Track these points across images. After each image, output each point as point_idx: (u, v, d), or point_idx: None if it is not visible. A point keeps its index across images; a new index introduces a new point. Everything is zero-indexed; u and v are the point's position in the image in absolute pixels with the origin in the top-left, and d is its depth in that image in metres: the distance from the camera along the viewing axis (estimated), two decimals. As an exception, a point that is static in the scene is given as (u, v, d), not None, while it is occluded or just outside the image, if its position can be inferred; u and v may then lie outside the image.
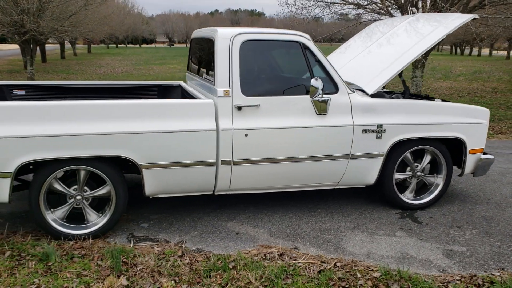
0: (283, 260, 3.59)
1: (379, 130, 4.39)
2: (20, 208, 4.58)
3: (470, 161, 4.84)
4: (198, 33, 5.01)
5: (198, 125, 3.92)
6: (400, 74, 4.87)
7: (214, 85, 4.05)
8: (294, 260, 3.61)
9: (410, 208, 4.78)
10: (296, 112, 4.18)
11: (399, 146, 4.54)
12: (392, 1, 12.66)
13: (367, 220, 4.51)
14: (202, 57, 4.67)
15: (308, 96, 4.19)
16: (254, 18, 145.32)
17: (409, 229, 4.32)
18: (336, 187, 4.58)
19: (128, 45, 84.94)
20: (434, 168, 4.90)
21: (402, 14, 13.01)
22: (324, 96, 4.19)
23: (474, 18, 4.73)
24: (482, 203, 5.06)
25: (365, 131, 4.35)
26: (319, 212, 4.66)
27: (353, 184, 4.57)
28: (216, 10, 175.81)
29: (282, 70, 4.49)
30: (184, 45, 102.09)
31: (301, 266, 3.51)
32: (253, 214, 4.56)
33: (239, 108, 4.02)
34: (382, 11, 13.74)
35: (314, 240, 4.05)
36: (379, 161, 4.49)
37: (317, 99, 4.17)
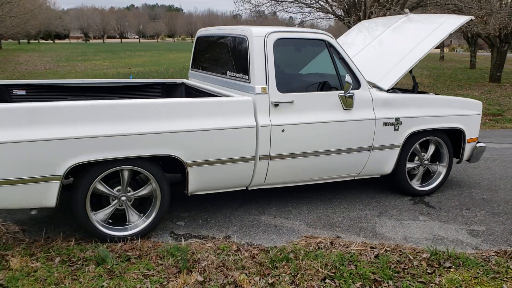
0: (337, 249, 3.77)
1: (397, 123, 4.70)
2: (40, 214, 4.38)
3: (467, 150, 5.30)
4: (213, 31, 5.04)
5: (239, 122, 4.00)
6: (410, 71, 5.21)
7: (249, 82, 4.14)
8: (346, 247, 3.80)
9: (419, 195, 5.14)
10: (325, 107, 4.37)
11: (411, 137, 4.88)
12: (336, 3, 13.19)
13: (386, 207, 4.80)
14: (226, 55, 4.72)
15: (336, 91, 4.40)
16: (173, 13, 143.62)
17: (427, 214, 4.66)
18: (356, 178, 4.82)
19: (40, 41, 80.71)
20: (436, 157, 5.29)
21: (350, 16, 13.59)
22: (349, 91, 4.42)
23: (471, 20, 5.17)
24: (475, 187, 5.54)
25: (385, 124, 4.64)
26: (340, 202, 4.88)
27: (372, 174, 4.85)
28: (132, 5, 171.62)
29: (310, 67, 4.66)
30: (100, 41, 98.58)
31: (355, 252, 3.71)
32: (280, 207, 4.70)
33: (276, 105, 4.14)
34: (329, 11, 14.27)
35: (351, 228, 4.27)
36: (396, 152, 4.80)
37: (344, 94, 4.39)
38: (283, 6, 13.64)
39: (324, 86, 4.41)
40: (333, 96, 4.39)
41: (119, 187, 3.86)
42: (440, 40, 4.95)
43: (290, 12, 13.92)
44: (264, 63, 4.10)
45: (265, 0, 13.54)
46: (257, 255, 3.66)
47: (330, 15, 15.38)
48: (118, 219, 3.92)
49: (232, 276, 3.34)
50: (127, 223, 3.94)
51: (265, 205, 4.73)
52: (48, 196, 3.51)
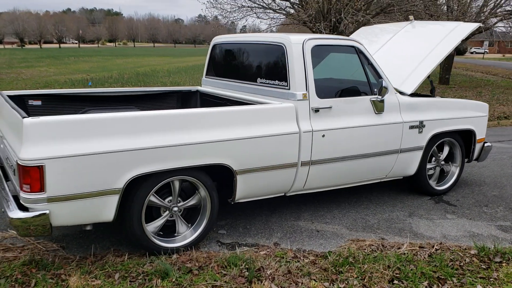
0: (390, 250, 3.86)
1: (421, 126, 4.87)
2: (71, 229, 4.20)
3: (477, 149, 5.56)
4: (236, 38, 5.03)
5: (283, 129, 4.02)
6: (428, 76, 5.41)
7: (289, 89, 4.16)
8: (398, 249, 3.89)
9: (436, 194, 5.34)
10: (359, 112, 4.47)
11: (432, 139, 5.06)
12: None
13: (412, 207, 4.95)
14: (256, 63, 4.71)
15: (368, 96, 4.51)
16: (113, 18, 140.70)
17: (452, 212, 4.85)
18: (383, 180, 4.95)
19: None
20: (448, 157, 5.51)
21: (319, 22, 13.85)
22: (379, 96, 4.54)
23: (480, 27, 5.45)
24: (482, 185, 5.81)
25: (411, 127, 4.79)
26: (368, 205, 4.99)
27: (398, 175, 4.99)
28: (69, 9, 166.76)
29: (341, 73, 4.74)
30: (37, 46, 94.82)
31: (408, 253, 3.81)
32: (312, 212, 4.74)
33: (316, 110, 4.19)
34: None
35: (390, 229, 4.37)
36: (420, 154, 4.97)
37: (376, 99, 4.50)
38: (255, 12, 13.73)
39: (356, 92, 4.50)
40: (366, 101, 4.50)
41: (169, 198, 3.77)
42: (454, 45, 5.18)
43: (260, 18, 14.02)
44: (303, 69, 4.14)
45: (236, 7, 13.58)
46: (316, 261, 3.67)
47: (295, 21, 15.62)
48: (165, 231, 3.83)
49: (302, 283, 3.34)
50: (175, 235, 3.86)
51: (297, 210, 4.76)
52: (106, 210, 3.39)
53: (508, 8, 18.35)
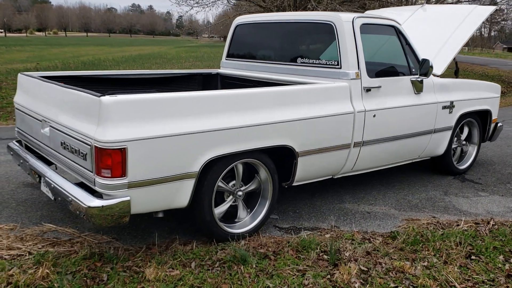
0: (450, 227, 3.89)
1: (451, 106, 4.94)
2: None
3: (491, 129, 5.73)
4: (267, 18, 4.87)
5: (339, 109, 3.93)
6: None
7: (341, 68, 4.07)
8: (457, 226, 3.92)
9: (458, 173, 5.46)
10: (402, 92, 4.46)
11: (458, 120, 5.16)
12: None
13: (444, 186, 5.03)
14: (297, 42, 4.58)
15: (408, 77, 4.51)
16: (43, 6, 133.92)
17: (482, 189, 4.98)
18: (414, 161, 4.99)
19: None
20: (466, 137, 5.64)
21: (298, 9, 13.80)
22: (419, 77, 4.55)
23: (496, 9, 5.58)
24: (493, 164, 6.01)
25: (444, 107, 4.85)
26: (401, 186, 5.01)
27: (428, 155, 5.04)
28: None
29: (383, 53, 4.70)
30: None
31: (468, 229, 3.85)
32: (353, 195, 4.69)
33: (368, 90, 4.14)
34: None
35: (435, 208, 4.41)
36: (449, 134, 5.05)
37: (415, 79, 4.51)
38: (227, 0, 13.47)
39: (397, 72, 4.49)
40: (407, 81, 4.49)
41: (232, 183, 3.59)
42: (477, 27, 5.28)
43: (232, 4, 13.77)
44: (355, 47, 4.07)
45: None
46: (387, 241, 3.63)
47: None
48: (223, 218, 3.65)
49: (385, 263, 3.29)
50: (236, 220, 3.69)
51: (337, 194, 4.69)
52: (182, 195, 3.17)
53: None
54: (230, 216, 3.66)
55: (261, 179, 3.70)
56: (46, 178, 3.34)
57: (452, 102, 4.93)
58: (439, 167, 5.42)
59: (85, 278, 2.99)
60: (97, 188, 2.91)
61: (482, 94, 5.40)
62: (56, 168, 3.57)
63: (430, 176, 5.37)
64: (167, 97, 3.02)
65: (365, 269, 3.19)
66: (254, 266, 3.19)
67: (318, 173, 4.06)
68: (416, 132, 4.63)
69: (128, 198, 2.89)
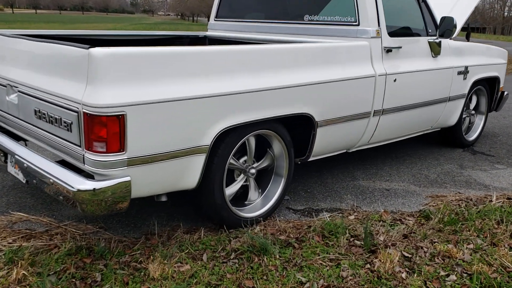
0: (482, 204, 3.48)
1: (465, 72, 4.51)
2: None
3: (498, 98, 5.37)
4: None
5: (359, 71, 3.42)
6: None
7: (359, 25, 3.55)
8: (490, 201, 3.52)
9: (466, 146, 5.07)
10: (421, 55, 4.00)
11: (471, 87, 4.74)
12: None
13: (456, 160, 4.63)
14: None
15: (426, 38, 4.04)
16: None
17: (497, 162, 4.61)
18: (425, 132, 4.56)
19: None
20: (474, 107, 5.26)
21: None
22: (437, 38, 4.09)
23: None
24: (498, 135, 5.68)
25: (459, 73, 4.42)
26: (412, 160, 4.58)
27: (440, 126, 4.62)
28: None
29: (400, 10, 4.18)
30: None
31: (504, 205, 3.45)
32: (364, 171, 4.22)
33: (388, 51, 3.64)
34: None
35: (457, 183, 4.01)
36: (462, 103, 4.64)
37: (432, 40, 4.05)
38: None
39: (414, 32, 4.00)
40: (424, 42, 4.02)
41: (243, 159, 3.03)
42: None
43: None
44: (374, 1, 3.54)
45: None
46: (420, 221, 3.18)
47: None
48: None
49: (427, 247, 2.83)
50: (246, 203, 3.14)
51: (347, 170, 4.21)
52: (191, 174, 2.59)
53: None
54: (236, 198, 3.09)
55: (274, 154, 3.16)
56: (16, 157, 2.67)
57: (466, 68, 4.50)
58: (448, 139, 5.02)
59: (73, 280, 2.39)
60: (87, 167, 2.29)
61: (492, 60, 5.01)
62: (26, 145, 2.91)
63: (438, 149, 4.96)
64: (175, 51, 2.41)
65: (408, 255, 2.72)
66: (277, 256, 2.66)
67: (335, 147, 3.56)
68: (433, 100, 4.19)
69: (128, 179, 2.29)
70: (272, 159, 3.18)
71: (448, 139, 5.00)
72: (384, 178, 4.04)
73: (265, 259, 2.61)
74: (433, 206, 3.46)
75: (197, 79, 2.46)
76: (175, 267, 2.51)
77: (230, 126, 2.64)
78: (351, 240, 2.89)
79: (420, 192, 3.77)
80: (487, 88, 5.12)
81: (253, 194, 3.14)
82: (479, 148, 5.07)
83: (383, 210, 3.33)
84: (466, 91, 4.61)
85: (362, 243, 2.84)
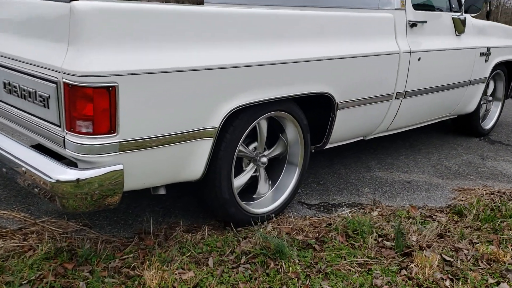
0: (519, 197, 3.10)
1: (488, 53, 4.12)
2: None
3: (513, 84, 5.00)
4: None
5: (382, 47, 3.01)
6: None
7: (380, -6, 3.12)
8: (526, 194, 3.15)
9: (482, 134, 4.70)
10: (446, 32, 3.61)
11: (492, 71, 4.36)
12: None
13: (475, 150, 4.26)
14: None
15: (449, 13, 3.63)
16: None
17: (518, 152, 4.25)
18: (442, 119, 4.17)
19: None
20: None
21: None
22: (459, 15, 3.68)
23: None
24: (506, 124, 5.31)
25: (481, 54, 4.03)
26: (429, 149, 4.19)
27: (458, 113, 4.23)
28: None
29: None
30: None
31: (540, 199, 3.08)
32: (379, 161, 3.81)
33: (413, 25, 3.22)
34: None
35: (481, 174, 3.64)
36: (482, 87, 4.25)
37: (457, 16, 3.64)
38: None
39: (437, 6, 3.59)
40: (448, 18, 3.61)
41: (253, 146, 2.59)
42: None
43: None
44: (398, -32, 3.12)
45: None
46: (454, 218, 2.79)
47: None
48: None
49: (468, 249, 2.44)
50: (254, 197, 2.71)
51: (360, 161, 3.79)
52: (194, 163, 2.15)
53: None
54: (242, 192, 2.65)
55: (287, 140, 2.73)
56: (-19, 140, 2.20)
57: (489, 49, 4.11)
58: (464, 128, 4.64)
59: (51, 291, 1.93)
60: (68, 153, 1.83)
61: (510, 42, 4.62)
62: (-3, 127, 2.44)
63: (453, 137, 4.58)
64: (181, 10, 1.95)
65: (449, 259, 2.32)
66: (296, 260, 2.24)
67: (354, 133, 3.15)
68: (455, 83, 3.79)
69: (119, 167, 1.84)
70: (284, 146, 2.75)
71: (465, 127, 4.61)
72: (402, 169, 3.64)
73: (283, 264, 2.19)
74: (462, 200, 3.07)
75: (206, 46, 2.01)
76: (176, 274, 2.07)
77: (242, 105, 2.20)
78: (379, 240, 2.48)
79: (444, 184, 3.38)
80: (506, 72, 4.74)
81: (263, 186, 2.71)
82: (496, 138, 4.70)
83: (410, 205, 2.93)
84: (487, 75, 4.23)
85: (393, 244, 2.44)
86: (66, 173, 1.77)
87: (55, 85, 1.77)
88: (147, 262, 2.13)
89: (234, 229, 2.49)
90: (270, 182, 2.77)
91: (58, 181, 1.76)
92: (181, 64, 1.90)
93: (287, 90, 2.41)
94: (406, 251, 2.38)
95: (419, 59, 3.25)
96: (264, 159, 2.58)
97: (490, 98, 4.72)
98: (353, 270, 2.21)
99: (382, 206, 2.93)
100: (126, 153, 1.84)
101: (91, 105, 1.71)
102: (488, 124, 4.81)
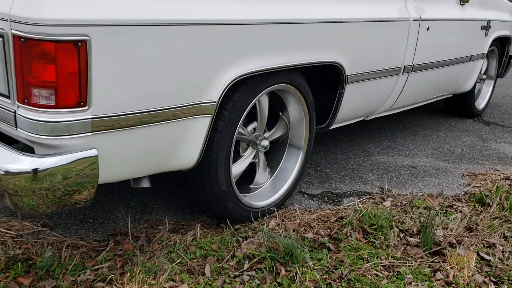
0: (539, 183, 2.80)
1: (487, 27, 3.81)
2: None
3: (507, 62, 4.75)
4: None
5: (395, 12, 2.62)
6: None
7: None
8: (543, 179, 2.85)
9: (475, 115, 4.43)
10: (450, 0, 3.25)
11: (490, 46, 4.06)
12: None
13: (474, 131, 3.97)
14: None
15: (455, -21, 3.28)
16: None
17: (517, 133, 3.99)
18: (439, 99, 3.85)
19: None
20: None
21: None
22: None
23: None
24: (500, 105, 5.08)
25: (482, 28, 3.71)
26: (426, 132, 3.86)
27: (455, 91, 3.91)
28: None
29: None
30: None
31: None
32: (376, 144, 3.45)
33: (422, -11, 2.84)
34: None
35: (487, 158, 3.35)
36: (480, 64, 3.95)
37: (467, -18, 3.30)
38: None
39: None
40: (452, -16, 3.26)
41: (252, 127, 2.15)
42: None
43: None
44: None
45: None
46: (477, 208, 2.45)
47: None
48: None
49: (502, 244, 2.10)
50: (251, 187, 2.27)
51: (355, 144, 3.42)
52: (187, 147, 1.70)
53: None
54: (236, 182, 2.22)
55: (289, 120, 2.30)
56: None
57: (489, 22, 3.79)
58: (457, 108, 4.34)
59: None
60: (22, 133, 1.34)
61: (507, 16, 4.33)
62: None
63: (446, 119, 4.28)
64: None
65: (488, 257, 1.97)
66: (311, 264, 1.83)
67: (359, 112, 2.77)
68: (457, 58, 3.46)
69: (93, 153, 1.36)
70: (286, 128, 2.32)
71: (458, 107, 4.32)
72: (403, 153, 3.28)
73: (297, 270, 1.77)
74: (477, 187, 2.75)
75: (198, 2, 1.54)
76: (161, 285, 1.62)
77: (244, 74, 1.75)
78: (401, 236, 2.10)
79: (453, 169, 3.05)
80: (500, 48, 4.46)
81: (261, 175, 2.28)
82: (490, 119, 4.43)
83: (426, 194, 2.57)
84: (486, 51, 3.92)
85: (418, 240, 2.07)
86: (18, 162, 1.29)
87: (1, 38, 1.27)
88: (128, 274, 1.66)
89: (231, 227, 2.05)
90: (269, 170, 2.34)
91: (7, 173, 1.27)
92: (174, 14, 1.43)
93: (294, 57, 1.98)
94: (435, 249, 2.01)
95: (427, 29, 2.88)
96: (265, 142, 2.14)
97: (484, 77, 4.44)
98: (380, 274, 1.83)
99: (394, 195, 2.56)
100: (101, 134, 1.37)
101: (53, 66, 1.22)
102: (481, 104, 4.53)
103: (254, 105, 2.04)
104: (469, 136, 3.80)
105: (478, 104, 4.47)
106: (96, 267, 1.74)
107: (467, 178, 2.91)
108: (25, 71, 1.25)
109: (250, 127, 2.14)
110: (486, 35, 3.81)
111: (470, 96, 4.15)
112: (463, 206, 2.45)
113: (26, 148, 1.38)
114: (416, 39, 2.81)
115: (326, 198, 2.51)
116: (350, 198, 2.51)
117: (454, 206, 2.44)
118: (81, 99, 1.30)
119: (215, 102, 1.67)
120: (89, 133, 1.35)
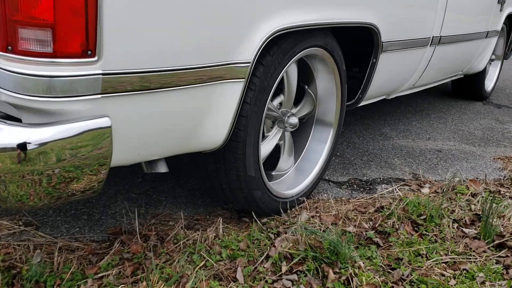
0: None
1: (503, 1, 3.54)
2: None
3: None
4: None
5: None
6: None
7: None
8: None
9: (484, 98, 4.18)
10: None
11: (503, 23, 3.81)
12: None
13: (486, 114, 3.72)
14: None
15: None
16: None
17: (531, 116, 3.76)
18: (452, 79, 3.58)
19: None
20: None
21: None
22: None
23: None
24: (506, 88, 4.86)
25: (498, 1, 3.44)
26: (439, 114, 3.58)
27: (468, 71, 3.65)
28: None
29: None
30: None
31: None
32: (391, 126, 3.16)
33: (449, -48, 2.54)
34: None
35: (508, 140, 3.07)
36: (494, 42, 3.70)
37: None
38: None
39: None
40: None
41: (278, 101, 1.80)
42: None
43: None
44: None
45: None
46: (525, 192, 2.17)
47: None
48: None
49: None
50: (274, 174, 1.93)
51: (369, 126, 3.12)
52: (214, 121, 1.33)
53: None
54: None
55: (316, 94, 1.96)
56: None
57: (504, -5, 3.53)
58: (466, 90, 4.08)
59: None
60: (4, 93, 0.95)
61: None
62: None
63: (454, 102, 4.03)
64: None
65: (562, 252, 1.67)
66: (362, 264, 1.50)
67: (387, 87, 2.46)
68: (476, 32, 3.19)
69: (106, 122, 0.98)
70: (312, 104, 1.98)
71: (468, 90, 4.06)
72: (423, 136, 2.99)
73: (351, 272, 1.43)
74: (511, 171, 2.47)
75: None
76: (189, 299, 1.26)
77: (283, 29, 1.40)
78: (456, 228, 1.79)
79: (481, 153, 2.77)
80: (508, 27, 4.22)
81: (286, 159, 1.93)
82: (498, 101, 4.20)
83: (468, 180, 2.27)
84: (499, 28, 3.66)
85: (476, 232, 1.75)
86: (14, 134, 0.90)
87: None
88: (144, 283, 1.30)
89: (258, 222, 1.70)
90: (294, 156, 2.00)
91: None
92: None
93: (330, 13, 1.65)
94: (498, 241, 1.71)
95: (455, -4, 2.57)
96: (294, 119, 1.79)
97: (493, 57, 4.19)
98: (446, 274, 1.51)
99: (431, 181, 2.25)
100: (114, 97, 1.00)
101: (50, -3, 0.84)
102: (489, 86, 4.29)
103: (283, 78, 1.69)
104: (485, 119, 3.54)
105: (486, 86, 4.22)
106: (100, 274, 1.36)
107: (500, 162, 2.63)
108: (9, 4, 0.87)
109: (275, 102, 1.78)
110: (501, 10, 3.55)
111: (481, 77, 3.90)
112: (510, 192, 2.15)
113: (11, 116, 1.00)
114: (445, 5, 2.50)
115: (355, 185, 2.19)
116: (383, 186, 2.19)
117: (502, 192, 2.15)
118: (89, 46, 0.93)
119: (249, 63, 1.31)
120: (99, 95, 0.98)
